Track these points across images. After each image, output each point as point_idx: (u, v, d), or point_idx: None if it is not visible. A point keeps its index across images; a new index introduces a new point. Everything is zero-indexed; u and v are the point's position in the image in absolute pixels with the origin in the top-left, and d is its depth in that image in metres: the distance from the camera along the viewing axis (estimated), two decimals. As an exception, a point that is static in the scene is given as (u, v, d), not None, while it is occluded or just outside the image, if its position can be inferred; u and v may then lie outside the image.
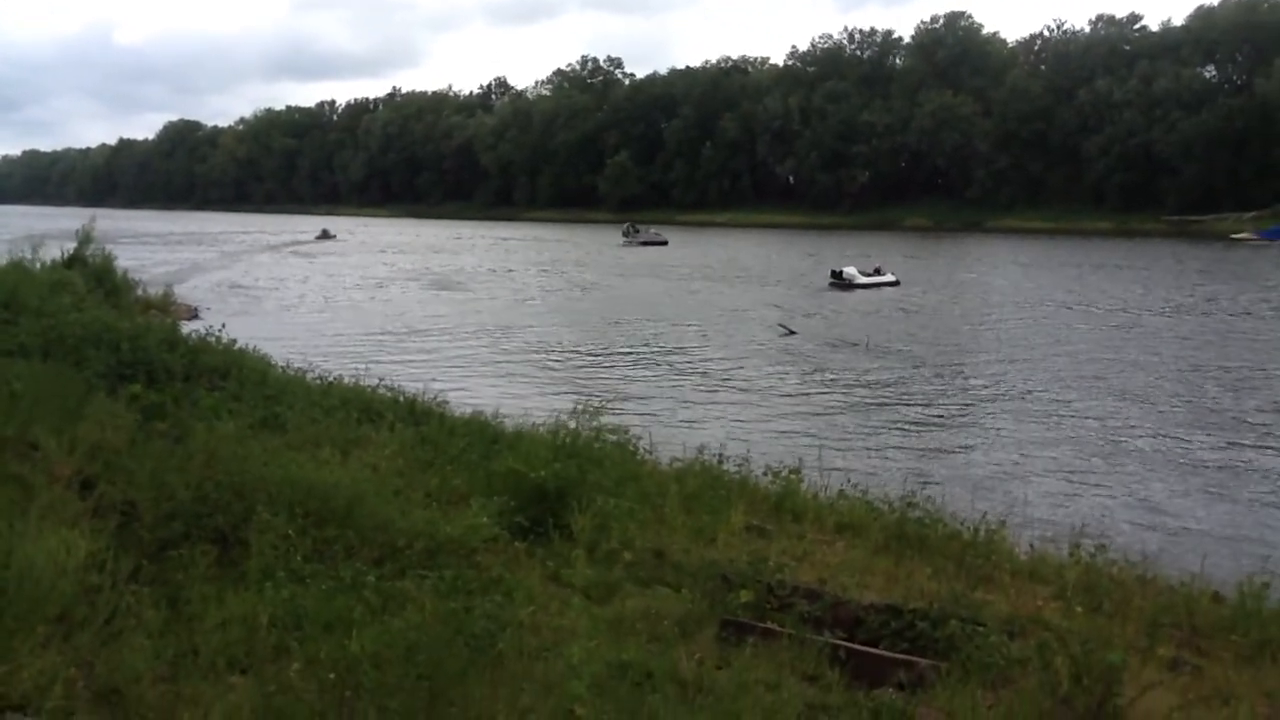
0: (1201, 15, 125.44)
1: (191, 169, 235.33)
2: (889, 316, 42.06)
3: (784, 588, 7.57)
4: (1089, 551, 9.80)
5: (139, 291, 31.49)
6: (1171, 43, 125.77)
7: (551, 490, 8.99)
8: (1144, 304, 45.73)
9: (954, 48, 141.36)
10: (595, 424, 10.91)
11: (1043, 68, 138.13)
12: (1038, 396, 24.99)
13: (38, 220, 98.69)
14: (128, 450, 7.98)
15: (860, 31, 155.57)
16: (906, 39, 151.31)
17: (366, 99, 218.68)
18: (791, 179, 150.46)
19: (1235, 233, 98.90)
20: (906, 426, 21.61)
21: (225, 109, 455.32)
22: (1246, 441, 20.38)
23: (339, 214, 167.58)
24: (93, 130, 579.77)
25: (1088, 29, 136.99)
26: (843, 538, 10.34)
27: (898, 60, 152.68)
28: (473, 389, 23.34)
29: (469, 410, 14.03)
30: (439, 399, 14.05)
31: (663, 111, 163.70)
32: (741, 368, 29.12)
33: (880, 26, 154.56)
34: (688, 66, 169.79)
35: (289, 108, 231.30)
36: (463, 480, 9.54)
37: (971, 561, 9.46)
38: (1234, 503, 16.22)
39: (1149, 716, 5.60)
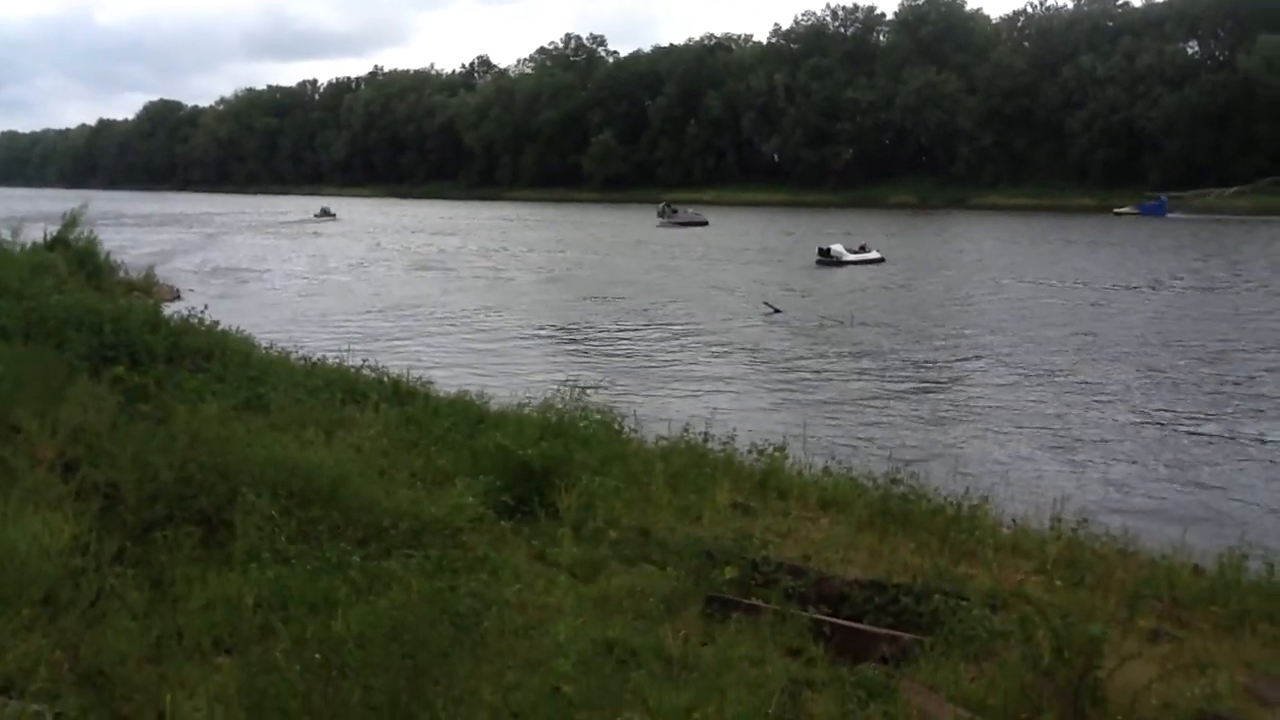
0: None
1: (172, 149, 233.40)
2: (873, 294, 42.15)
3: (768, 564, 7.60)
4: (1071, 526, 9.86)
5: (121, 273, 31.31)
6: (1154, 18, 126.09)
7: (538, 469, 9.00)
8: (1122, 280, 45.95)
9: (937, 24, 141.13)
10: (581, 403, 10.91)
11: (1026, 44, 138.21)
12: (1020, 373, 25.10)
13: (18, 202, 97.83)
14: (110, 432, 7.95)
15: (844, 8, 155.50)
16: (890, 16, 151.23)
17: (349, 78, 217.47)
18: (776, 156, 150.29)
19: (1120, 208, 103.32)
20: (891, 403, 21.67)
21: (207, 89, 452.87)
22: (1226, 415, 20.53)
23: (322, 194, 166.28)
24: (73, 111, 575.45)
25: (1070, 5, 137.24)
26: (827, 514, 10.37)
27: (881, 37, 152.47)
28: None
29: (454, 390, 14.02)
30: (423, 379, 14.02)
31: (646, 90, 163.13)
32: (728, 345, 29.15)
33: (863, 3, 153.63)
34: (671, 44, 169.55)
35: (270, 87, 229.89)
36: (448, 460, 9.53)
37: (955, 536, 9.50)
38: (1215, 476, 16.34)
39: (1129, 687, 5.65)
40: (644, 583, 7.29)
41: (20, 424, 7.76)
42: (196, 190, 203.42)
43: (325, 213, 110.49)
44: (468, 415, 11.79)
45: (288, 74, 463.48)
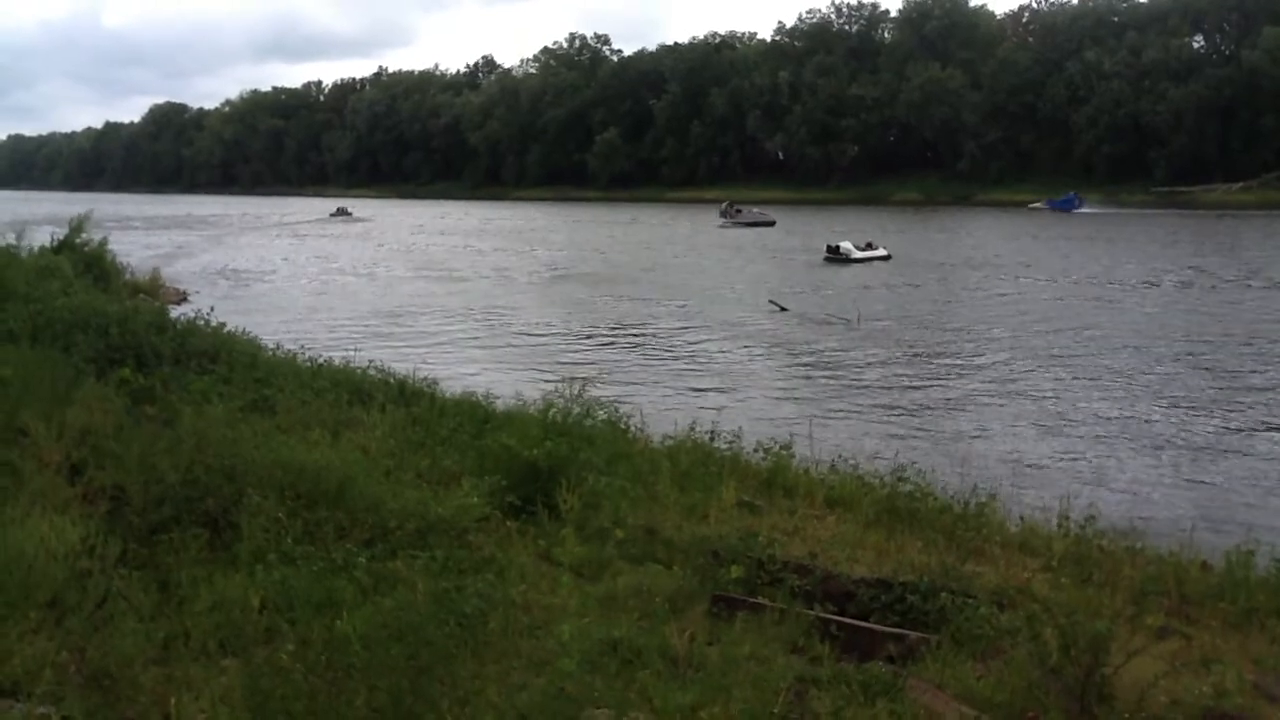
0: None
1: (178, 152, 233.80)
2: (879, 291, 42.06)
3: (775, 563, 7.60)
4: (1078, 523, 9.85)
5: (128, 276, 31.40)
6: (1159, 12, 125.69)
7: (544, 469, 8.98)
8: (1129, 276, 45.83)
9: (942, 20, 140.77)
10: (586, 402, 10.92)
11: (1031, 40, 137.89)
12: (1027, 369, 25.04)
13: (23, 205, 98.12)
14: (116, 435, 7.97)
15: (848, 5, 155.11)
16: (894, 12, 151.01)
17: (353, 79, 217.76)
18: (781, 154, 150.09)
19: (1033, 203, 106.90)
20: (897, 401, 21.64)
21: (214, 91, 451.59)
22: (1234, 413, 20.46)
23: (327, 195, 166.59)
24: (81, 115, 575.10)
25: (1075, 0, 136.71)
26: (834, 512, 10.38)
27: (886, 34, 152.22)
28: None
29: (459, 390, 14.03)
30: (430, 380, 14.02)
31: (650, 88, 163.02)
32: (734, 344, 29.13)
33: (867, 0, 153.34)
34: (675, 43, 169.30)
35: (275, 88, 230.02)
36: (454, 460, 9.54)
37: (962, 534, 9.51)
38: (1223, 472, 16.28)
39: (1136, 684, 5.63)
40: (650, 582, 7.28)
41: (27, 427, 7.78)
42: (202, 192, 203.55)
43: (342, 212, 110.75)
44: (474, 415, 11.80)
45: (294, 76, 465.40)
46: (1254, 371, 24.65)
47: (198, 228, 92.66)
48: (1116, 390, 22.54)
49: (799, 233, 77.19)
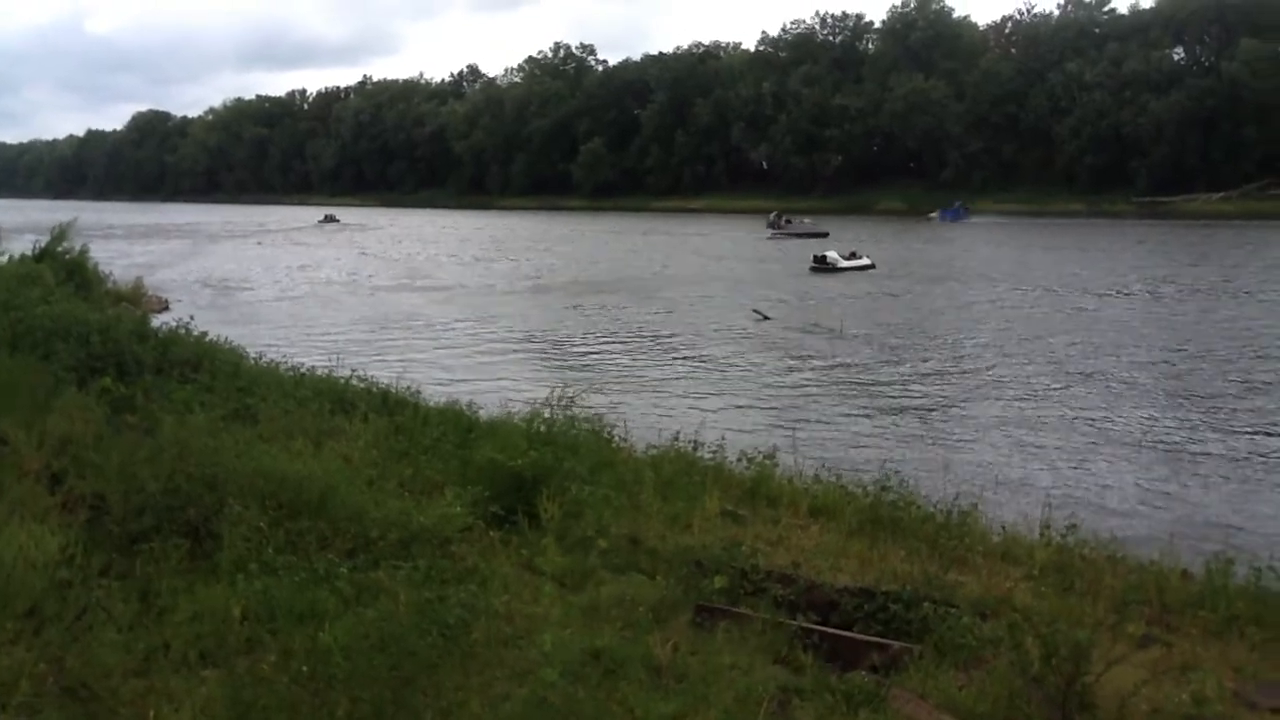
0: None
1: (161, 159, 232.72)
2: (862, 300, 42.22)
3: (758, 572, 7.59)
4: (1060, 532, 9.89)
5: (109, 284, 31.24)
6: (1140, 24, 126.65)
7: (528, 478, 8.97)
8: (1109, 285, 46.15)
9: (925, 31, 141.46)
10: (570, 412, 10.90)
11: (1013, 50, 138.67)
12: (1008, 378, 25.16)
13: (3, 213, 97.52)
14: (97, 444, 7.92)
15: (832, 16, 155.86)
16: (878, 23, 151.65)
17: (338, 87, 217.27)
18: (765, 163, 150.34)
19: (930, 214, 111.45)
20: (880, 410, 21.69)
21: (199, 99, 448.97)
22: (1214, 422, 20.59)
23: (311, 203, 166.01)
24: (65, 121, 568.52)
25: (1057, 12, 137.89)
26: (817, 522, 10.38)
27: (869, 44, 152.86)
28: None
29: (443, 399, 13.98)
30: (413, 389, 13.98)
31: (635, 98, 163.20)
32: (718, 353, 29.17)
33: (852, 10, 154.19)
34: (660, 53, 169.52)
35: (259, 96, 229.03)
36: (437, 470, 9.51)
37: (944, 543, 9.52)
38: (1203, 481, 16.39)
39: (1118, 692, 5.66)
40: (633, 591, 7.28)
41: (6, 435, 7.73)
42: (185, 200, 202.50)
43: (330, 219, 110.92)
44: (458, 425, 11.76)
45: (280, 84, 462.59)
46: (1233, 380, 24.82)
47: (180, 236, 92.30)
48: (1098, 398, 22.66)
49: (790, 241, 77.59)
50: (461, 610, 5.72)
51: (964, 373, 26.31)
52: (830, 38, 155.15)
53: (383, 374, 15.35)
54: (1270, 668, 7.20)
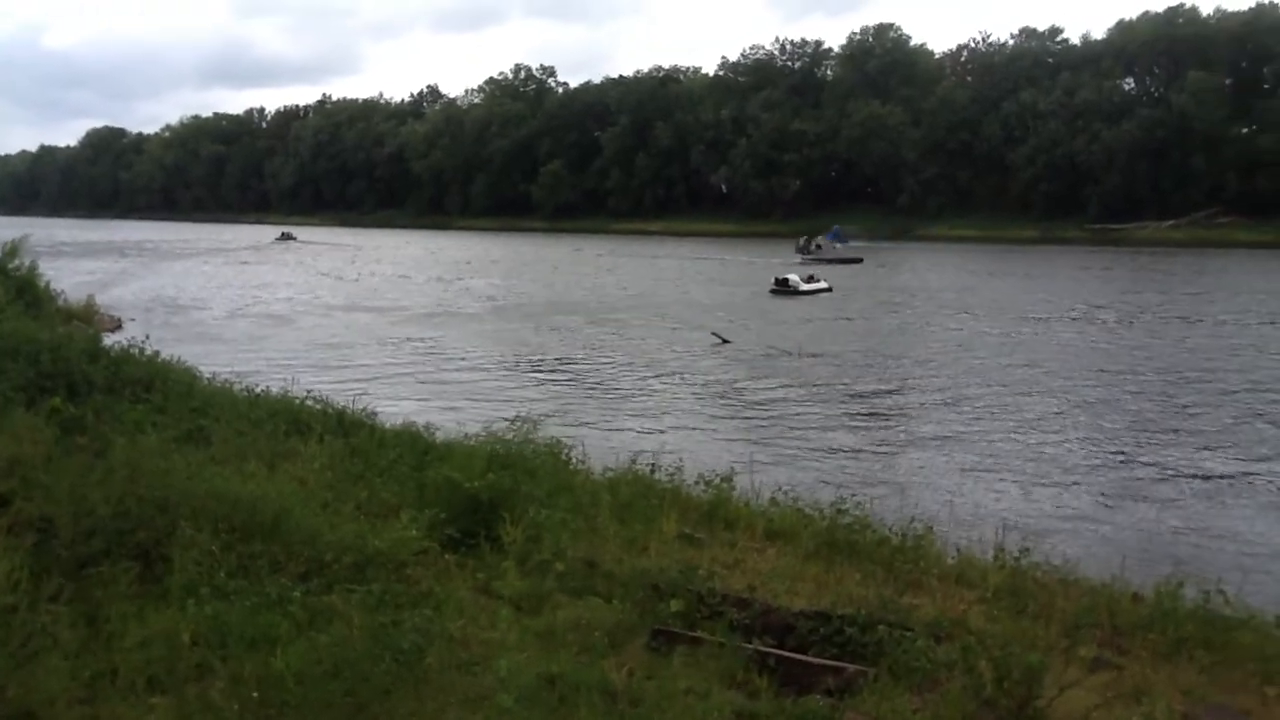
0: (1121, 28, 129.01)
1: (116, 176, 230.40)
2: (820, 323, 42.55)
3: (714, 596, 7.59)
4: (1013, 555, 9.96)
5: (61, 302, 30.77)
6: (1092, 55, 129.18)
7: (485, 501, 8.92)
8: (1061, 309, 46.86)
9: (883, 58, 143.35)
10: (528, 434, 10.86)
11: (969, 79, 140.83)
12: (962, 401, 25.43)
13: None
14: (46, 465, 7.78)
15: (791, 42, 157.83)
16: (836, 49, 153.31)
17: (296, 105, 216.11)
18: (725, 187, 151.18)
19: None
20: (838, 433, 21.84)
21: (157, 115, 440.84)
22: (1163, 445, 20.91)
23: (268, 222, 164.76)
24: (18, 137, 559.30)
25: (1012, 41, 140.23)
26: (774, 545, 10.38)
27: (828, 71, 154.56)
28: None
29: (399, 421, 13.89)
30: (369, 410, 13.86)
31: (596, 120, 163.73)
32: (676, 376, 29.23)
33: (810, 37, 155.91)
34: (621, 75, 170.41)
35: (217, 114, 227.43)
36: (393, 492, 9.42)
37: (900, 566, 9.57)
38: (1153, 504, 16.63)
39: (1070, 715, 5.72)
40: (589, 615, 7.25)
41: (-49, 458, 7.58)
42: (141, 217, 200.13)
43: (286, 236, 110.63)
44: (415, 447, 11.66)
45: (240, 102, 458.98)
46: (1181, 403, 25.23)
47: (134, 254, 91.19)
48: (1050, 421, 22.95)
49: (741, 264, 78.02)
50: (416, 635, 5.68)
51: (920, 395, 26.56)
52: (789, 64, 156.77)
53: (338, 394, 15.25)
54: (1218, 691, 7.28)
